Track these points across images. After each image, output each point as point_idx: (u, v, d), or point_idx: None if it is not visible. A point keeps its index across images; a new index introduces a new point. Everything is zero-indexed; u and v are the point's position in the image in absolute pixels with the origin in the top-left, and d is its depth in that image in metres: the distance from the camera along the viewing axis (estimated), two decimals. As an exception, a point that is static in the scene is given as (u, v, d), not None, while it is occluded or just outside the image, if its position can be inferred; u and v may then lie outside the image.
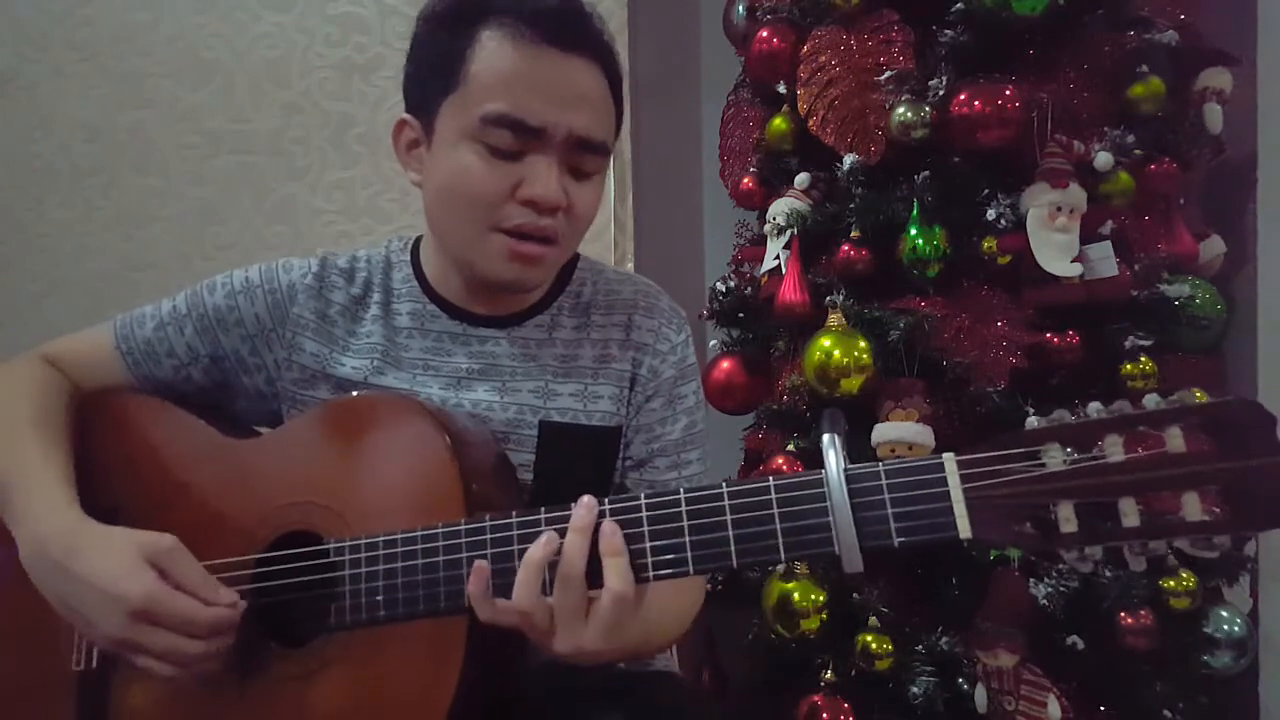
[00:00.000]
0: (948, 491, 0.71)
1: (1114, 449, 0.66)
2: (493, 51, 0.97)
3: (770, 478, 0.76)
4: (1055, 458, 0.68)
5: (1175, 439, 0.64)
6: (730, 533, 0.77)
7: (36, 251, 2.41)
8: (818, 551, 0.75)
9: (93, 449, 1.04)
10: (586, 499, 0.80)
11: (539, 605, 0.79)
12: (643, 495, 0.80)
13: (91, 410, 1.08)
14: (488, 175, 0.98)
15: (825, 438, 0.76)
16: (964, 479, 0.70)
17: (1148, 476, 0.65)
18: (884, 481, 0.73)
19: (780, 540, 0.75)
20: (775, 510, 0.76)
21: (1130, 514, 0.65)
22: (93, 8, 2.35)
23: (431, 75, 1.02)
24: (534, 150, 0.98)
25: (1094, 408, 0.67)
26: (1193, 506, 0.64)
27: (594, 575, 0.78)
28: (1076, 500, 0.67)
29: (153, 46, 2.35)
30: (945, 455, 0.71)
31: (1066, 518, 0.67)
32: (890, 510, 0.72)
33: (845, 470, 0.74)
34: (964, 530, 0.70)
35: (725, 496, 0.77)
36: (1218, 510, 0.63)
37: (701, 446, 1.17)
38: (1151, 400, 0.66)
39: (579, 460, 1.10)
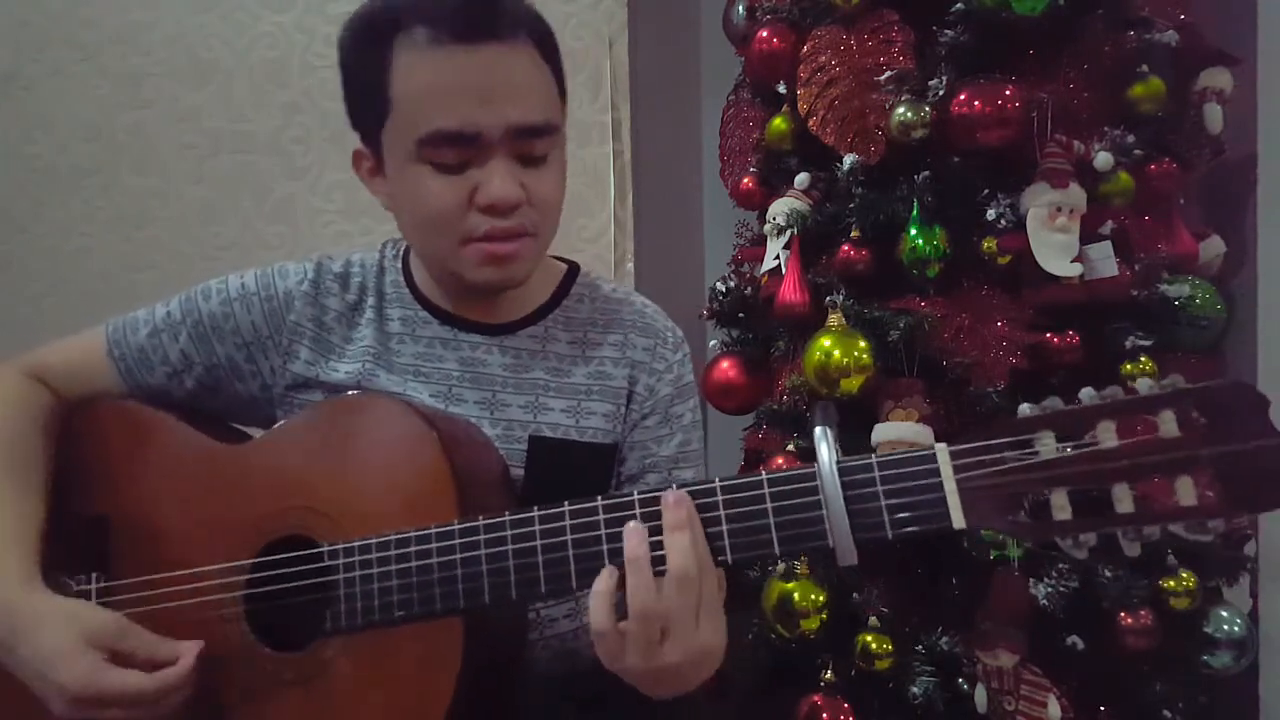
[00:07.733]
0: (941, 483, 0.71)
1: (1107, 435, 0.66)
2: (409, 70, 0.94)
3: (763, 472, 0.77)
4: (1048, 445, 0.68)
5: (1168, 423, 0.65)
6: (724, 528, 0.77)
7: (36, 251, 2.41)
8: (812, 545, 0.75)
9: (80, 457, 1.02)
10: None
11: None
12: (635, 492, 0.80)
13: (78, 418, 1.06)
14: (443, 192, 0.96)
15: (817, 430, 0.76)
16: (957, 469, 0.71)
17: (1141, 462, 0.65)
18: (877, 474, 0.73)
19: (774, 534, 0.76)
20: (769, 505, 0.76)
21: (1124, 500, 0.66)
22: (93, 8, 2.35)
23: (363, 108, 1.01)
24: (480, 154, 0.96)
25: (1086, 394, 0.68)
26: (1186, 491, 0.64)
27: None
28: (1070, 488, 0.67)
29: (153, 46, 2.35)
30: (938, 445, 0.72)
31: (1060, 505, 0.68)
32: (884, 502, 0.73)
33: (838, 463, 0.74)
34: (957, 520, 0.70)
35: (719, 492, 0.77)
36: (1211, 494, 0.64)
37: (696, 466, 1.15)
38: (1144, 384, 0.66)
39: (569, 477, 1.08)
